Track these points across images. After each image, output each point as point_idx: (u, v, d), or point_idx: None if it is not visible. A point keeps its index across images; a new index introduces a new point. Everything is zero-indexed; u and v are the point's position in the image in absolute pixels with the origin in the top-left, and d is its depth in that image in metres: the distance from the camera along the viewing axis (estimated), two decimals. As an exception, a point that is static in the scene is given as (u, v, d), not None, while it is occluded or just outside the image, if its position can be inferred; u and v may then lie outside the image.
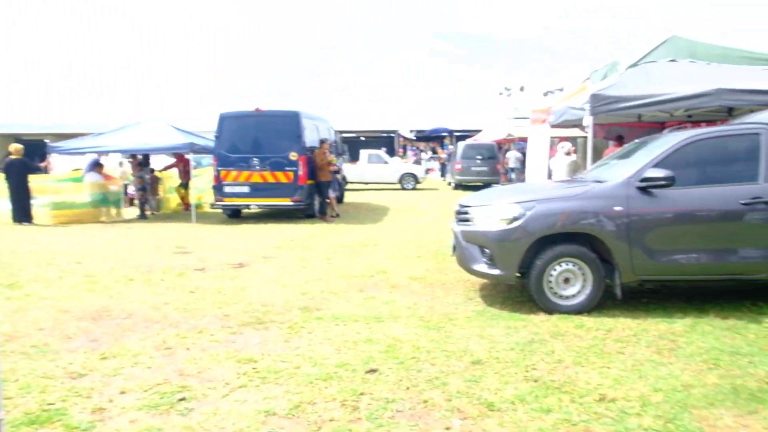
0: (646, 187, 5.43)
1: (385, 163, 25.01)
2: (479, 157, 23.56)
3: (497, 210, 5.77)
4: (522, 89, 37.85)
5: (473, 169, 23.40)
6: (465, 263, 6.02)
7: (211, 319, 5.61)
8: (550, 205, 5.60)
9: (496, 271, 5.69)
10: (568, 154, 11.39)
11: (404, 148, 42.11)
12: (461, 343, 4.75)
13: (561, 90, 29.16)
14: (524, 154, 28.45)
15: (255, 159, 12.87)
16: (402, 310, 5.79)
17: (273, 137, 12.96)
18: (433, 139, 42.71)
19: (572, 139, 15.73)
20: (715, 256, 5.44)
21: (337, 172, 15.12)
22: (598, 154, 19.13)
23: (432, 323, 5.32)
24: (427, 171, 28.07)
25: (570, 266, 5.56)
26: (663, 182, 5.32)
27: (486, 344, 4.73)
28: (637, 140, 7.04)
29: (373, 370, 4.20)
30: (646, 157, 5.71)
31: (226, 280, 7.24)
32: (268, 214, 14.58)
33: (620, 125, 13.66)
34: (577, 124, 11.80)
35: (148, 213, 14.84)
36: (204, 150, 13.83)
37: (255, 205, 13.34)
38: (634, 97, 8.09)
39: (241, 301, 6.22)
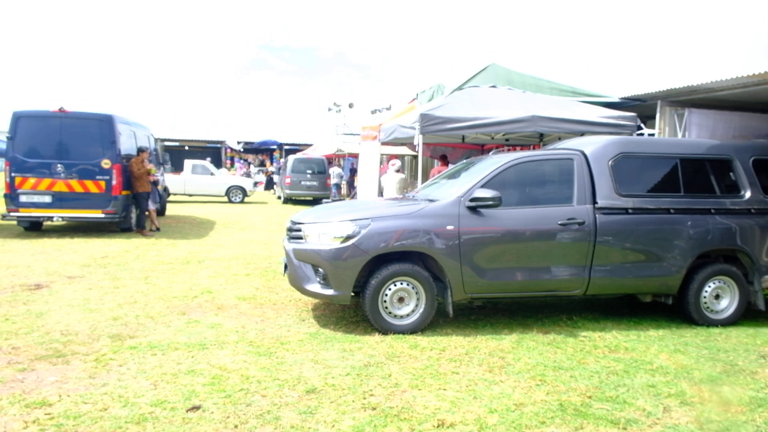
0: (475, 207, 5.57)
1: (212, 174, 23.87)
2: (309, 171, 23.44)
3: (331, 228, 5.56)
4: (351, 106, 38.44)
5: (303, 183, 23.20)
6: (297, 283, 5.72)
7: (-6, 354, 4.71)
8: (385, 223, 5.51)
9: (330, 292, 5.46)
10: (398, 171, 11.60)
11: (231, 159, 40.80)
12: (294, 370, 4.44)
13: (389, 109, 30.19)
14: (352, 171, 29.00)
15: (59, 165, 11.41)
16: (229, 335, 5.33)
17: (82, 142, 11.58)
18: (261, 151, 41.92)
19: (400, 157, 16.22)
20: (537, 273, 5.72)
21: (157, 182, 14.00)
22: (424, 173, 20.02)
23: (262, 349, 4.94)
24: (256, 184, 27.34)
25: (404, 285, 5.51)
26: (490, 202, 5.48)
27: (321, 370, 4.47)
28: (464, 160, 7.29)
29: (195, 408, 3.73)
30: (475, 177, 5.87)
31: (18, 306, 6.21)
32: (76, 227, 13.04)
33: (444, 145, 14.34)
34: (406, 142, 12.14)
35: None
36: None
37: (59, 217, 11.76)
38: (460, 119, 8.43)
39: (36, 330, 5.33)
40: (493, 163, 6.03)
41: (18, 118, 11.42)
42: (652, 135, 8.92)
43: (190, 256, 9.67)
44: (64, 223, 12.99)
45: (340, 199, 21.84)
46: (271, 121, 47.61)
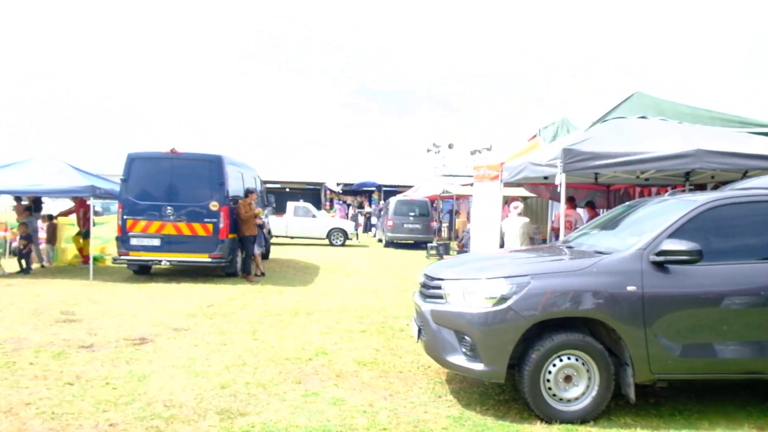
0: (663, 262, 4.38)
1: (313, 216, 23.55)
2: (412, 213, 22.58)
3: (480, 285, 4.53)
4: (451, 146, 37.75)
5: (406, 226, 22.35)
6: (437, 353, 4.69)
7: (88, 431, 3.98)
8: (548, 281, 4.41)
9: (479, 366, 4.39)
10: (520, 215, 10.45)
11: (330, 201, 40.87)
12: (448, 478, 3.39)
13: (489, 149, 29.03)
14: (450, 214, 27.90)
15: (169, 208, 11.15)
16: (356, 417, 4.37)
17: (191, 183, 11.31)
18: (360, 193, 41.78)
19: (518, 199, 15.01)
20: (745, 350, 4.39)
21: (263, 225, 13.58)
22: (533, 215, 18.63)
23: (400, 440, 3.94)
24: (356, 226, 26.83)
25: (573, 360, 4.36)
26: (686, 257, 4.27)
27: (483, 480, 3.39)
28: (627, 203, 6.10)
29: None
30: (657, 225, 4.67)
31: (120, 365, 5.58)
32: (182, 271, 12.74)
33: (568, 186, 13.01)
34: (533, 182, 11.03)
35: (36, 266, 12.65)
36: (108, 195, 11.94)
37: (167, 260, 11.47)
38: (610, 154, 7.23)
39: (138, 400, 4.62)
40: (678, 206, 4.81)
41: (132, 160, 11.33)
42: None
43: (297, 306, 8.92)
44: (170, 266, 12.75)
45: (438, 244, 20.71)
46: (369, 163, 47.65)
